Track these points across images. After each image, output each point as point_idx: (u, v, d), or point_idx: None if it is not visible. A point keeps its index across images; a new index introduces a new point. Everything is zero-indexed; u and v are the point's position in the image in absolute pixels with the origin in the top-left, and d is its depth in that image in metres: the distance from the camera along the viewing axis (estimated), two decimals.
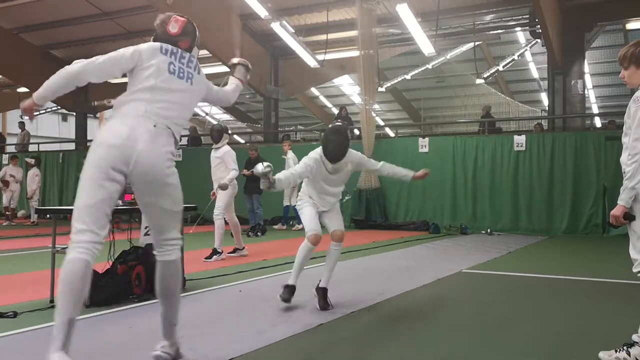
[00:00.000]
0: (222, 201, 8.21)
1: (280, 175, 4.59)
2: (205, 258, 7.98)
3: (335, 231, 5.00)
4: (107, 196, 2.94)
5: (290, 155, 13.37)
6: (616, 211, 3.33)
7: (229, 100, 3.83)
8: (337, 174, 4.96)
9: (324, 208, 5.05)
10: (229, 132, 8.56)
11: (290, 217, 14.02)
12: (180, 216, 3.27)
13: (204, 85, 3.48)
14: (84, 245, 2.87)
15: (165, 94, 3.17)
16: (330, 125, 5.18)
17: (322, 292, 4.91)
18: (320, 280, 5.00)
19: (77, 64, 3.13)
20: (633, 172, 3.26)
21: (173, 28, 3.36)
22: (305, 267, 5.06)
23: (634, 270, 3.34)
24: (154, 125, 3.05)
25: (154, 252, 3.21)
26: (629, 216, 3.31)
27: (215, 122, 33.42)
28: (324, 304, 4.82)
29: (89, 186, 2.93)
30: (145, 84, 3.15)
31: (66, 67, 3.16)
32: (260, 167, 4.41)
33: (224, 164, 8.17)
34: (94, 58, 3.16)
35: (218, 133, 8.36)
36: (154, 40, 3.36)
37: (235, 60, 4.02)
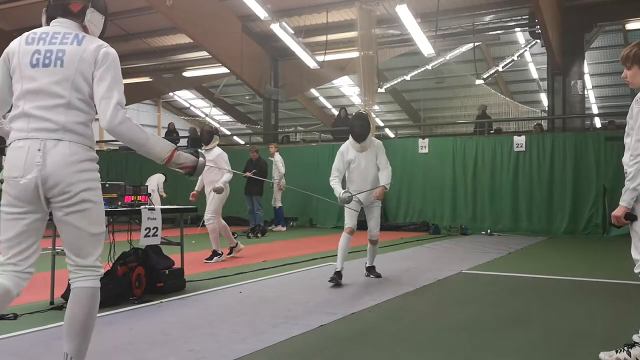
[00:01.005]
0: (214, 205, 8.07)
1: (337, 185, 6.08)
2: (206, 259, 7.97)
3: (371, 235, 6.43)
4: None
5: (278, 157, 13.53)
6: (618, 212, 3.33)
7: (105, 111, 2.72)
8: (365, 152, 6.17)
9: (364, 201, 6.22)
10: (219, 134, 8.42)
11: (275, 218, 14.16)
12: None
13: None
14: None
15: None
16: (354, 113, 6.52)
17: (371, 269, 6.62)
18: (366, 263, 6.66)
19: None
20: (635, 173, 3.26)
21: None
22: (305, 269, 5.05)
23: (635, 270, 3.34)
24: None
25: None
26: (630, 216, 3.32)
27: (214, 124, 33.58)
28: (377, 274, 6.56)
29: None
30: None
31: None
32: (345, 198, 5.97)
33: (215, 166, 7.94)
34: None
35: (208, 135, 8.15)
36: (46, 10, 2.89)
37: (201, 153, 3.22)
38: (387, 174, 6.20)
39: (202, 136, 8.29)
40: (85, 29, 2.89)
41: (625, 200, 3.30)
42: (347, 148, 6.23)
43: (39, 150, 2.62)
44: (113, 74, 2.77)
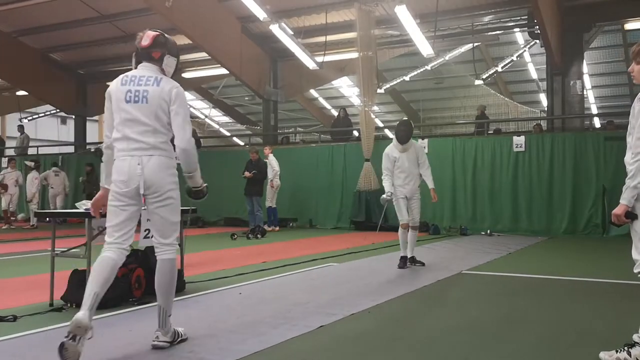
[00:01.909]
0: None
1: (388, 186, 7.29)
2: None
3: (413, 222, 7.47)
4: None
5: (272, 158, 13.61)
6: (618, 210, 3.34)
7: (178, 135, 3.74)
8: (406, 152, 7.36)
9: (408, 194, 7.36)
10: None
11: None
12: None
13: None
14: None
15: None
16: (400, 120, 7.73)
17: (411, 258, 7.56)
18: (405, 255, 7.51)
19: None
20: (635, 171, 3.26)
21: (144, 41, 3.83)
22: (305, 269, 5.05)
23: (635, 270, 3.34)
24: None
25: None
26: (631, 215, 3.32)
27: (215, 125, 33.56)
28: (419, 263, 7.59)
29: None
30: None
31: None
32: (383, 200, 7.37)
33: None
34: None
35: None
36: (135, 55, 3.88)
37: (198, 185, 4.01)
38: (431, 175, 7.55)
39: None
40: (163, 71, 3.86)
41: (625, 199, 3.31)
42: (391, 149, 7.40)
43: (139, 164, 3.65)
44: (184, 109, 3.78)
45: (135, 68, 3.84)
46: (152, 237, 3.89)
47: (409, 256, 7.61)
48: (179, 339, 3.86)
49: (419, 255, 7.90)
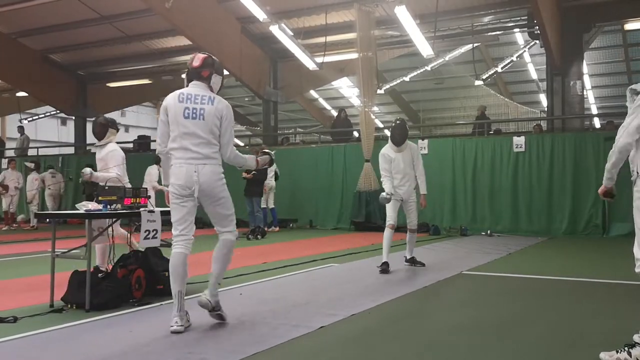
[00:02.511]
0: None
1: (388, 187, 7.18)
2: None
3: (411, 225, 7.55)
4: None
5: None
6: (600, 190, 3.81)
7: (224, 148, 4.42)
8: (402, 153, 7.32)
9: (404, 195, 7.34)
10: (117, 127, 6.80)
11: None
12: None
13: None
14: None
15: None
16: (395, 122, 7.62)
17: (411, 259, 7.66)
18: (406, 256, 7.69)
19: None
20: (610, 155, 3.59)
21: (195, 62, 4.42)
22: (305, 270, 5.05)
23: (636, 270, 3.34)
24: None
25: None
26: (610, 195, 3.76)
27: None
28: (420, 264, 7.62)
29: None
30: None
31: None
32: (382, 199, 7.15)
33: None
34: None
35: (101, 127, 6.52)
36: (186, 75, 4.48)
37: (269, 152, 5.00)
38: (425, 181, 7.45)
39: (93, 130, 6.69)
40: (211, 88, 4.44)
41: (604, 180, 3.70)
42: (387, 150, 7.40)
43: (195, 171, 4.26)
44: (231, 126, 4.44)
45: (187, 86, 4.42)
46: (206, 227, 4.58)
47: (408, 257, 7.66)
48: (218, 311, 4.47)
49: (419, 255, 7.90)
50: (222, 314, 4.49)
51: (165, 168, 4.47)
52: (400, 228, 7.94)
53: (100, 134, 6.53)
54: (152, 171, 14.57)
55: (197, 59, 4.44)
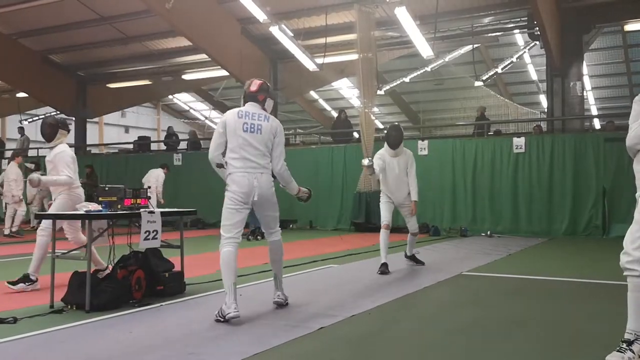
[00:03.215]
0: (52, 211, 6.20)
1: (376, 167, 7.09)
2: (10, 283, 5.94)
3: (412, 229, 7.64)
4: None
5: None
6: None
7: (275, 160, 4.96)
8: (398, 157, 7.32)
9: (399, 200, 7.39)
10: (68, 127, 6.56)
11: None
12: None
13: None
14: None
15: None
16: (390, 125, 7.71)
17: (411, 257, 7.83)
18: (406, 252, 7.86)
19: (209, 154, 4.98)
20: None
21: (252, 87, 4.95)
22: (305, 271, 5.04)
23: (621, 264, 3.39)
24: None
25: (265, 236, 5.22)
26: None
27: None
28: (420, 262, 7.78)
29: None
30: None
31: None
32: (366, 162, 7.04)
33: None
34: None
35: (50, 128, 6.25)
36: (243, 97, 5.00)
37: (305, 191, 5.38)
38: (416, 188, 7.40)
39: (42, 131, 6.39)
40: (265, 110, 4.94)
41: None
42: (383, 153, 7.39)
43: (255, 179, 4.76)
44: (283, 142, 4.99)
45: (243, 105, 4.95)
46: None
47: (408, 254, 7.80)
48: (287, 302, 5.15)
49: (419, 255, 7.91)
50: (287, 301, 5.20)
51: (222, 174, 4.95)
52: (397, 229, 7.97)
53: (49, 135, 6.28)
54: (159, 174, 14.58)
55: (254, 84, 4.98)
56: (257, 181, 4.76)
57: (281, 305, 5.12)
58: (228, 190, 4.77)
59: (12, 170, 14.23)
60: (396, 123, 7.84)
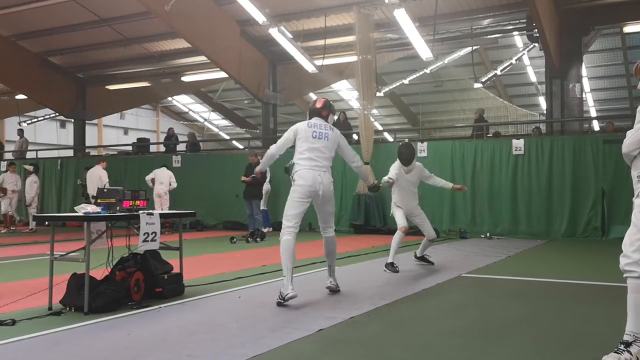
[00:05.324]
0: None
1: (393, 176, 7.49)
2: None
3: (429, 236, 7.88)
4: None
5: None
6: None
7: (351, 158, 6.18)
8: (410, 173, 7.70)
9: (409, 209, 7.72)
10: None
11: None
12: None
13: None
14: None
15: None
16: (401, 143, 8.05)
17: (421, 257, 8.11)
18: (416, 253, 8.12)
19: (271, 149, 5.88)
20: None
21: (318, 104, 5.91)
22: (304, 273, 5.06)
23: (621, 267, 3.39)
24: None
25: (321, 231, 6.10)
26: None
27: (215, 129, 33.38)
28: (430, 263, 8.05)
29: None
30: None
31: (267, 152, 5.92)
32: (386, 178, 7.48)
33: None
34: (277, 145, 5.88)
35: None
36: (309, 112, 5.96)
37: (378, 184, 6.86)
38: (444, 180, 8.15)
39: None
40: (327, 122, 5.86)
41: None
42: (399, 166, 7.67)
43: (319, 176, 5.62)
44: (349, 146, 6.13)
45: (309, 119, 5.84)
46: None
47: (418, 255, 8.09)
48: (338, 289, 5.90)
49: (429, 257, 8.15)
50: (339, 289, 5.91)
51: (265, 164, 6.03)
52: (393, 231, 8.00)
53: None
54: (167, 174, 14.49)
55: (319, 102, 5.94)
56: (320, 177, 5.60)
57: (333, 291, 5.84)
58: (295, 184, 5.56)
59: (11, 179, 15.13)
60: (407, 140, 8.20)
